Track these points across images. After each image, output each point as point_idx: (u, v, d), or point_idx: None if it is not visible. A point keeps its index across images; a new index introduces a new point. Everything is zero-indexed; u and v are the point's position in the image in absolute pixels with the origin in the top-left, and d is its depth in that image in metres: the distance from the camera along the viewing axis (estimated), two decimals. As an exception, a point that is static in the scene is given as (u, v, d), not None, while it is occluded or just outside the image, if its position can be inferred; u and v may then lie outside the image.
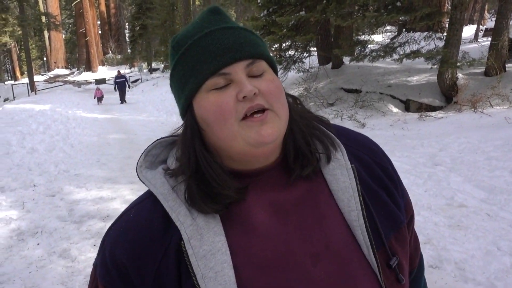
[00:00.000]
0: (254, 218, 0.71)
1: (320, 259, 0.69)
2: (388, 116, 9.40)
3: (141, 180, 0.75)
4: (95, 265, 0.77)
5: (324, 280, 0.68)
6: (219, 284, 0.65)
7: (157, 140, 0.81)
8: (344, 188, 0.74)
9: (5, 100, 30.16)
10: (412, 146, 6.57)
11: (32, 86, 29.06)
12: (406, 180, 5.09)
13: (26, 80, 33.41)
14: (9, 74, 58.98)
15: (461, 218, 3.99)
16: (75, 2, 42.41)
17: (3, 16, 31.05)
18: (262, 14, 12.39)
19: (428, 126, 7.83)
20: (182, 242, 0.67)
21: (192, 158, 0.71)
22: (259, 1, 11.99)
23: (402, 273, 0.75)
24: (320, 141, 0.78)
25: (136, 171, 0.77)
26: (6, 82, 41.37)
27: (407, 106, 10.13)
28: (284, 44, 13.04)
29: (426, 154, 6.04)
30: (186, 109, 0.74)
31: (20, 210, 5.23)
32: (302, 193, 0.75)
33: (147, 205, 0.75)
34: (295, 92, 13.15)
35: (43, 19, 32.49)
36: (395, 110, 9.99)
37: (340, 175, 0.75)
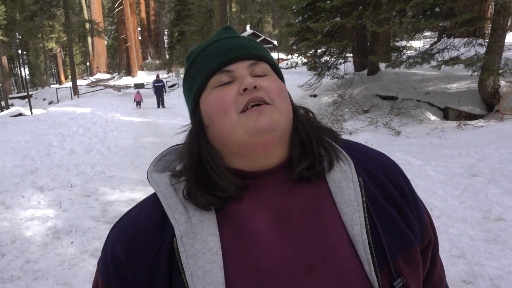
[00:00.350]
0: (252, 223, 0.71)
1: (316, 271, 0.67)
2: (425, 124, 9.13)
3: (148, 181, 0.78)
4: (98, 261, 0.80)
5: None
6: (206, 283, 0.65)
7: (172, 146, 0.83)
8: (348, 201, 0.72)
9: (50, 103, 31.55)
10: (449, 156, 6.34)
11: (75, 89, 30.26)
12: (441, 191, 4.92)
13: (69, 84, 34.83)
14: (54, 78, 61.71)
15: (498, 232, 3.81)
16: (117, 9, 43.88)
17: (50, 23, 32.57)
18: (297, 20, 12.37)
19: (467, 135, 7.54)
20: (174, 239, 0.68)
21: (195, 153, 0.74)
22: (294, 7, 11.98)
23: None
24: (325, 149, 0.78)
25: (147, 173, 0.79)
26: (51, 86, 43.29)
27: (445, 114, 9.81)
28: (319, 51, 12.97)
29: (464, 164, 5.81)
30: (194, 109, 0.77)
31: (57, 209, 5.43)
32: (306, 203, 0.73)
33: (148, 204, 0.77)
34: (329, 98, 13.04)
35: (87, 25, 33.79)
36: (432, 118, 9.69)
37: (346, 187, 0.73)
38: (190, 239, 0.67)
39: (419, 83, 11.31)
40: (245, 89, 0.70)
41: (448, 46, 9.87)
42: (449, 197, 4.71)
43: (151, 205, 0.76)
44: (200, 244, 0.67)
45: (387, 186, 0.78)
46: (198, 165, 0.73)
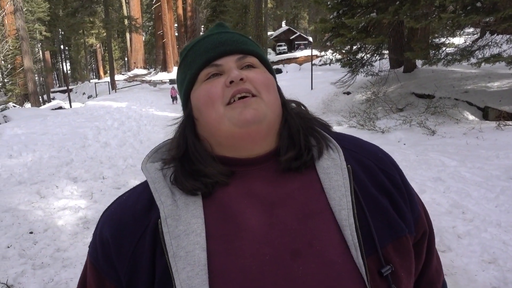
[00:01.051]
0: (238, 207, 0.71)
1: (301, 256, 0.66)
2: (462, 123, 8.78)
3: (142, 169, 0.80)
4: (89, 245, 0.80)
5: (303, 276, 0.65)
6: (188, 264, 0.65)
7: (168, 139, 0.85)
8: (336, 186, 0.72)
9: (89, 97, 32.62)
10: (486, 157, 6.07)
11: (113, 84, 31.12)
12: (476, 193, 4.71)
13: (108, 79, 35.84)
14: (94, 73, 63.72)
15: (536, 239, 3.60)
16: (155, 5, 44.70)
17: (91, 19, 33.63)
18: (331, 16, 12.18)
19: (507, 136, 7.19)
20: (159, 220, 0.69)
21: (182, 143, 0.76)
22: (329, 2, 11.80)
23: (398, 285, 0.70)
24: (315, 138, 0.78)
25: (141, 164, 0.81)
26: (90, 81, 44.73)
27: (485, 113, 9.41)
28: (354, 47, 12.73)
29: (502, 166, 5.54)
30: (186, 103, 0.80)
31: (88, 200, 5.59)
32: (293, 189, 0.73)
33: (138, 189, 0.79)
34: (362, 96, 12.80)
35: (126, 22, 34.65)
36: (471, 117, 9.32)
37: (334, 173, 0.73)
38: (174, 220, 0.68)
39: (457, 81, 10.90)
40: (231, 82, 0.72)
41: (490, 43, 9.45)
42: (483, 200, 4.51)
43: (141, 189, 0.77)
44: (184, 226, 0.67)
45: (378, 175, 0.77)
46: (184, 155, 0.75)
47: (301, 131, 0.77)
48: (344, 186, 0.71)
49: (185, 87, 0.79)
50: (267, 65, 0.81)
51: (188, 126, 0.78)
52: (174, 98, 21.84)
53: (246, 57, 0.76)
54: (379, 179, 0.76)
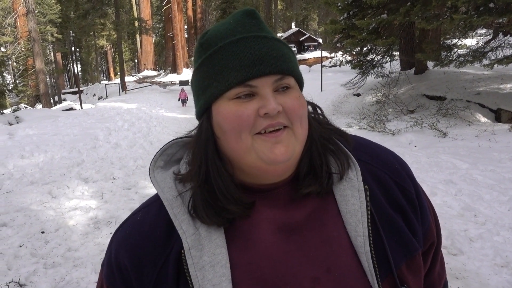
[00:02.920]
0: (258, 235, 0.70)
1: (320, 283, 0.67)
2: (474, 126, 8.69)
3: (151, 181, 0.75)
4: (102, 264, 0.79)
5: None
6: None
7: (173, 140, 0.81)
8: (353, 211, 0.71)
9: (99, 98, 32.90)
10: (498, 160, 6.00)
11: (123, 86, 31.34)
12: (488, 196, 4.66)
13: (118, 80, 36.10)
14: (104, 75, 64.25)
15: (550, 243, 3.55)
16: (165, 7, 44.94)
17: (102, 21, 33.90)
18: (341, 18, 12.13)
19: (520, 139, 7.10)
20: (182, 251, 0.67)
21: (203, 166, 0.70)
22: (339, 4, 11.75)
23: None
24: (335, 158, 0.75)
25: (149, 171, 0.77)
26: (101, 82, 45.09)
27: (497, 116, 9.29)
28: (364, 48, 12.66)
29: (515, 169, 5.48)
30: (204, 112, 0.73)
31: (99, 200, 5.62)
32: (310, 212, 0.72)
33: (153, 209, 0.75)
34: (372, 98, 12.72)
35: (136, 23, 34.87)
36: (483, 119, 9.21)
37: (351, 196, 0.72)
38: (198, 251, 0.67)
39: (469, 83, 10.79)
40: (266, 113, 0.65)
41: (503, 44, 9.33)
42: (496, 203, 4.45)
43: (156, 210, 0.74)
44: (208, 256, 0.66)
45: (393, 191, 0.76)
46: (205, 181, 0.70)
47: (322, 156, 0.73)
48: (360, 210, 0.70)
49: (208, 96, 0.70)
50: (301, 82, 0.75)
51: (210, 142, 0.71)
52: (183, 101, 21.19)
53: (284, 78, 0.68)
54: (394, 196, 0.75)
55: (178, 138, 0.81)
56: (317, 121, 0.77)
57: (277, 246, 0.69)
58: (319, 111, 0.80)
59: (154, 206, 0.75)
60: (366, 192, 0.72)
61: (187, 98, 21.44)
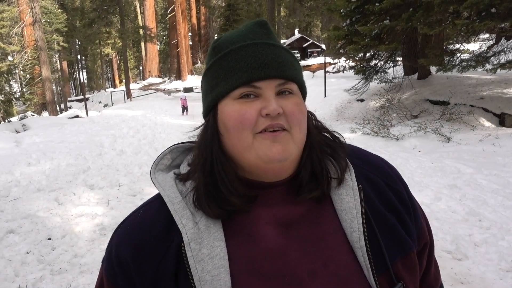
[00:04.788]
0: (257, 229, 0.73)
1: (318, 277, 0.69)
2: (478, 130, 8.68)
3: (152, 182, 0.79)
4: (102, 260, 0.81)
5: None
6: (214, 287, 0.67)
7: (174, 145, 0.85)
8: (348, 208, 0.74)
9: (105, 105, 33.06)
10: (502, 164, 5.99)
11: (128, 93, 31.49)
12: (493, 201, 4.66)
13: (123, 87, 36.30)
14: (109, 82, 64.65)
15: (555, 247, 3.55)
16: (169, 15, 45.25)
17: (107, 29, 34.21)
18: (344, 24, 12.19)
19: (525, 143, 7.09)
20: (182, 244, 0.70)
21: (208, 159, 0.74)
22: (342, 10, 11.81)
23: None
24: (332, 162, 0.79)
25: (150, 172, 0.81)
26: (106, 90, 45.37)
27: (501, 120, 9.27)
28: (367, 54, 12.70)
29: (519, 173, 5.47)
30: (210, 110, 0.77)
31: (105, 207, 5.67)
32: (307, 210, 0.76)
33: (154, 206, 0.78)
34: (376, 103, 12.73)
35: (141, 31, 35.10)
36: (487, 124, 9.21)
37: (345, 195, 0.76)
38: (197, 244, 0.69)
39: (473, 88, 10.79)
40: (267, 114, 0.70)
41: (505, 49, 9.34)
42: (500, 208, 4.45)
43: (157, 207, 0.77)
44: (207, 249, 0.69)
45: (386, 192, 0.80)
46: (209, 174, 0.73)
47: (323, 164, 0.77)
48: (355, 208, 0.74)
49: (215, 95, 0.75)
50: (303, 90, 0.79)
51: (215, 139, 0.75)
52: (184, 109, 20.23)
53: (287, 84, 0.73)
54: (387, 196, 0.79)
55: (178, 144, 0.85)
56: (316, 127, 0.81)
57: (275, 240, 0.72)
58: (313, 118, 0.83)
59: (154, 203, 0.78)
60: (360, 191, 0.76)
61: (187, 107, 20.23)
